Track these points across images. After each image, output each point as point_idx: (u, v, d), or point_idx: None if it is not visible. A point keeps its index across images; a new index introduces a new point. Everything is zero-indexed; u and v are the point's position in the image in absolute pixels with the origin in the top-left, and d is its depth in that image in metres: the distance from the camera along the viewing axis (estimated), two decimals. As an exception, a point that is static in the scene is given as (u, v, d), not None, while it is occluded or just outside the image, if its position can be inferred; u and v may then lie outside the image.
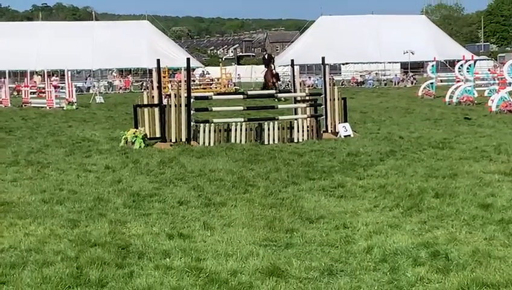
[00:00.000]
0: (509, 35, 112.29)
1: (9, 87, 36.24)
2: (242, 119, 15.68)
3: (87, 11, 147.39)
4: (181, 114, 15.01)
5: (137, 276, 5.77)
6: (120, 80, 61.39)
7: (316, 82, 53.74)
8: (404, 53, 67.28)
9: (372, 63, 72.23)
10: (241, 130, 15.26)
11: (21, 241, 6.86)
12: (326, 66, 17.22)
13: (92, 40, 73.74)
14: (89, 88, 54.86)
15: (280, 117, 15.95)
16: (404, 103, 30.23)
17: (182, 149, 14.12)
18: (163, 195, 9.24)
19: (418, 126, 18.18)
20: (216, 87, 49.07)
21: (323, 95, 16.55)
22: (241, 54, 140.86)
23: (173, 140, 14.92)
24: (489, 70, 40.84)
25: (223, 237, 6.97)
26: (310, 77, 61.43)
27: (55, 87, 33.14)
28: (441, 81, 39.14)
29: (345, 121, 16.65)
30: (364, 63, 72.63)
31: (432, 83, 35.61)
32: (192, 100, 15.17)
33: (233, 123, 15.38)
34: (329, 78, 17.79)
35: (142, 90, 38.18)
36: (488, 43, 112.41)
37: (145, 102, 15.44)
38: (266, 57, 38.44)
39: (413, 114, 22.94)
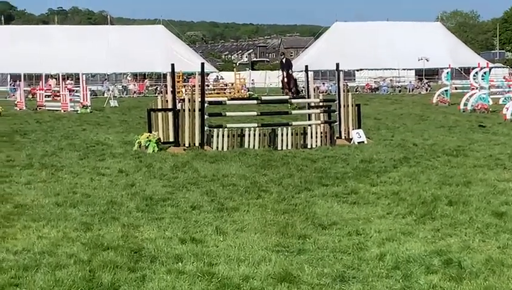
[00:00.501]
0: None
1: (24, 90, 36.54)
2: (256, 125, 15.67)
3: (103, 15, 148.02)
4: (195, 119, 15.03)
5: (149, 280, 5.79)
6: (134, 84, 61.69)
7: (330, 88, 53.70)
8: (418, 60, 67.26)
9: (387, 69, 72.21)
10: (254, 135, 15.26)
11: (34, 244, 6.90)
12: (341, 72, 17.18)
13: (106, 44, 74.30)
14: (104, 92, 55.12)
15: (294, 123, 15.94)
16: (418, 110, 30.13)
17: (195, 154, 14.14)
18: (176, 199, 9.26)
19: (432, 133, 18.10)
20: (230, 92, 49.13)
21: (337, 101, 16.53)
22: (255, 59, 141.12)
23: (187, 144, 14.94)
24: (504, 78, 40.61)
25: (235, 242, 6.97)
26: (324, 83, 61.53)
27: (70, 90, 33.33)
28: (456, 88, 39.02)
29: (359, 127, 16.62)
30: (378, 70, 72.65)
31: (446, 90, 35.47)
32: (206, 105, 15.20)
33: (247, 128, 15.38)
34: (343, 85, 17.74)
35: (156, 95, 38.26)
36: (503, 51, 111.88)
37: (159, 106, 15.49)
38: (284, 61, 34.91)
39: (427, 121, 22.85)
